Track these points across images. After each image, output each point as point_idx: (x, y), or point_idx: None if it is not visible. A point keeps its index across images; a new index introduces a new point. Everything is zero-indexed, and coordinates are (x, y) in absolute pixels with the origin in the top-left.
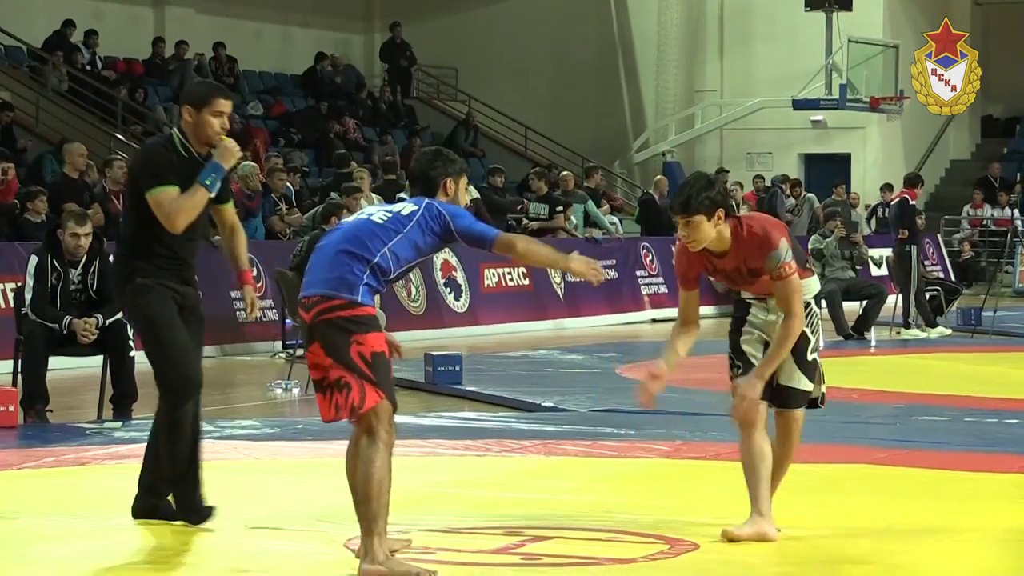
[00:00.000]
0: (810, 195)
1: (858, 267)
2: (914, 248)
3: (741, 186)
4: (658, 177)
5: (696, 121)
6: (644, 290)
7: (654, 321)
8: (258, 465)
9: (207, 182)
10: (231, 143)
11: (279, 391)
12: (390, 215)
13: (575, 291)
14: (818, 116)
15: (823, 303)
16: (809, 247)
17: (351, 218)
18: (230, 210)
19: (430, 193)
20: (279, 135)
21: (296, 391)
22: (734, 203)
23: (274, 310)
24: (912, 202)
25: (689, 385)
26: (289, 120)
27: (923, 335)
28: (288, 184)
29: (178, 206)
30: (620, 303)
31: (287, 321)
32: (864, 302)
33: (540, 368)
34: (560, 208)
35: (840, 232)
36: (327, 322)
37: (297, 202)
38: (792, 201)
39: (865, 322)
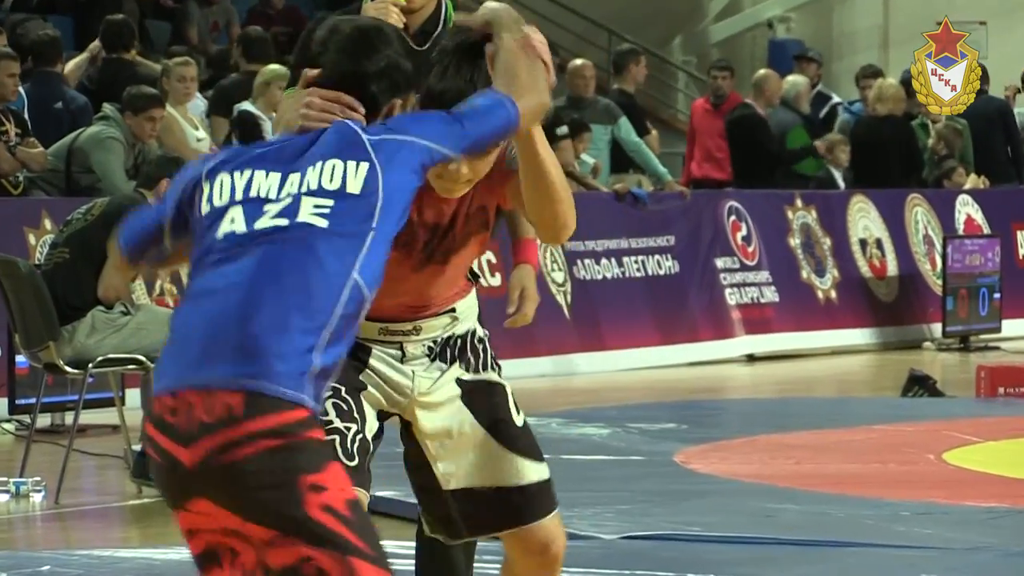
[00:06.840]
0: None
1: None
2: None
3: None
4: (764, 72)
5: None
6: (731, 298)
7: (751, 359)
8: None
9: None
10: None
11: (5, 497)
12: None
13: (594, 298)
14: None
15: None
16: None
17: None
18: None
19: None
20: None
21: (38, 498)
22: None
23: None
24: None
25: (808, 483)
26: None
27: None
28: (21, 91)
29: None
30: (683, 323)
31: (19, 360)
32: None
33: None
34: (564, 132)
35: None
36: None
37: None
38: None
39: None
